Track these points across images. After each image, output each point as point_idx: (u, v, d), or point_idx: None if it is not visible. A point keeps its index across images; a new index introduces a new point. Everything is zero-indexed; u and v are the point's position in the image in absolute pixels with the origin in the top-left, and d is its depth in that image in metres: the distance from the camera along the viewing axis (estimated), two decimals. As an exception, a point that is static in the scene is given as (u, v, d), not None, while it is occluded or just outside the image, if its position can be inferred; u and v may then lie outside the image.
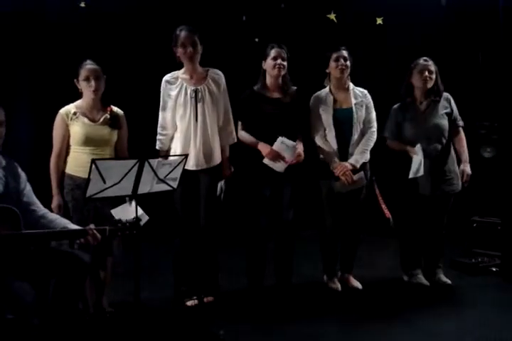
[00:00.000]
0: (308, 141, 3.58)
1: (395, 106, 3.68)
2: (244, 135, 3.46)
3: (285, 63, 3.41)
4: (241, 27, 5.07)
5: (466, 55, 4.85)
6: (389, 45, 5.14)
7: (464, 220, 4.40)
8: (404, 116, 3.59)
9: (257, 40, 4.85)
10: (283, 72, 3.41)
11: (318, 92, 3.62)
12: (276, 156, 3.33)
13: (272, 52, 3.40)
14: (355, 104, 3.54)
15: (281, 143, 3.34)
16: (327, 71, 3.59)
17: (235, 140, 3.44)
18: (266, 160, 3.36)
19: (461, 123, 3.67)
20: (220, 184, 3.40)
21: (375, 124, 3.60)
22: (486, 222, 4.31)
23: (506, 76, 4.25)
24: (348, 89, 3.58)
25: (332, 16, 5.20)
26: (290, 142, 3.35)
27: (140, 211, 2.62)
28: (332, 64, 3.52)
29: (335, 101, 3.55)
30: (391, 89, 4.99)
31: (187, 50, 3.20)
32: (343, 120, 3.52)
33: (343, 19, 5.20)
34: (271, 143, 3.35)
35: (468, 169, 3.62)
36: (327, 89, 3.60)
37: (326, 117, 3.52)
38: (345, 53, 3.52)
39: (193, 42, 3.21)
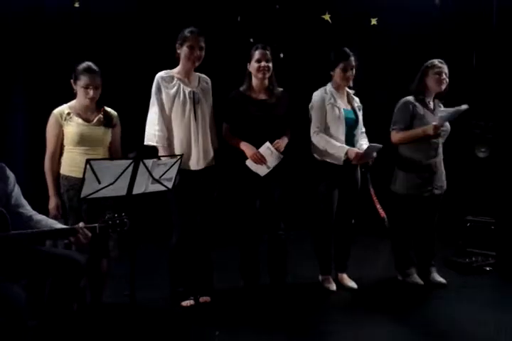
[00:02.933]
0: (301, 142, 3.59)
1: (408, 98, 3.60)
2: (228, 135, 3.45)
3: (270, 64, 3.37)
4: (236, 27, 5.08)
5: (461, 55, 4.86)
6: (383, 46, 5.16)
7: (457, 220, 4.43)
8: (417, 110, 3.55)
9: (252, 40, 4.85)
10: (268, 75, 3.38)
11: (321, 90, 3.56)
12: (260, 159, 3.32)
13: (256, 54, 3.36)
14: (356, 106, 3.60)
15: (267, 149, 3.32)
16: (331, 73, 3.56)
17: (217, 146, 3.42)
18: (248, 162, 3.35)
19: None
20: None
21: (363, 128, 3.68)
22: (479, 222, 4.33)
23: (500, 76, 4.28)
24: (345, 90, 3.61)
25: (327, 17, 5.22)
26: (276, 150, 3.33)
27: None
28: (339, 72, 3.50)
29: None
30: (386, 89, 5.03)
31: (194, 53, 3.20)
32: (347, 120, 3.52)
33: (337, 20, 5.22)
34: (256, 144, 3.34)
35: None
36: (330, 88, 3.55)
37: (338, 113, 3.48)
38: (353, 62, 3.50)
39: (201, 47, 3.22)
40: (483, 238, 4.25)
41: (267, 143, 3.32)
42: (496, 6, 4.33)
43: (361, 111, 3.64)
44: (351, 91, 3.65)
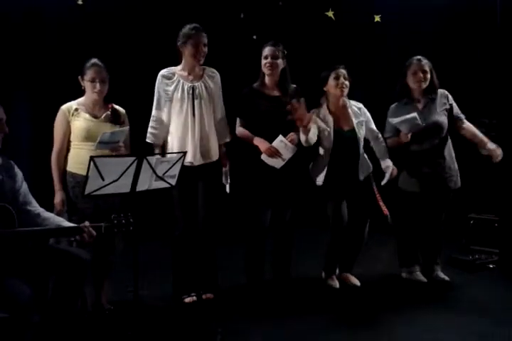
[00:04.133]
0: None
1: (393, 105, 3.66)
2: (241, 131, 3.46)
3: (278, 61, 3.38)
4: (239, 24, 5.08)
5: (465, 51, 4.85)
6: (387, 43, 5.15)
7: (461, 217, 4.42)
8: (403, 115, 3.52)
9: (255, 37, 4.86)
10: (275, 71, 3.39)
11: (316, 110, 3.53)
12: (275, 153, 3.34)
13: (265, 51, 3.40)
14: (356, 124, 3.53)
15: (281, 142, 3.34)
16: (324, 89, 3.56)
17: (230, 138, 3.45)
18: (263, 156, 3.37)
19: (463, 116, 3.66)
20: (226, 174, 3.43)
21: (377, 131, 3.65)
22: (483, 219, 4.33)
23: (505, 73, 4.26)
24: (345, 106, 3.57)
25: (330, 14, 5.21)
26: (290, 143, 3.35)
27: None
28: (332, 82, 3.49)
29: (334, 121, 3.51)
30: (390, 87, 5.02)
31: (200, 50, 3.21)
32: (348, 141, 3.50)
33: (341, 16, 5.21)
34: (269, 140, 3.36)
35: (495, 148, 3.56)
36: (325, 108, 3.55)
37: (327, 140, 3.49)
38: (345, 72, 3.50)
39: (205, 43, 3.23)
40: (486, 235, 4.26)
41: (280, 137, 3.34)
42: (500, 3, 4.30)
43: (369, 121, 3.59)
44: (354, 103, 3.60)
